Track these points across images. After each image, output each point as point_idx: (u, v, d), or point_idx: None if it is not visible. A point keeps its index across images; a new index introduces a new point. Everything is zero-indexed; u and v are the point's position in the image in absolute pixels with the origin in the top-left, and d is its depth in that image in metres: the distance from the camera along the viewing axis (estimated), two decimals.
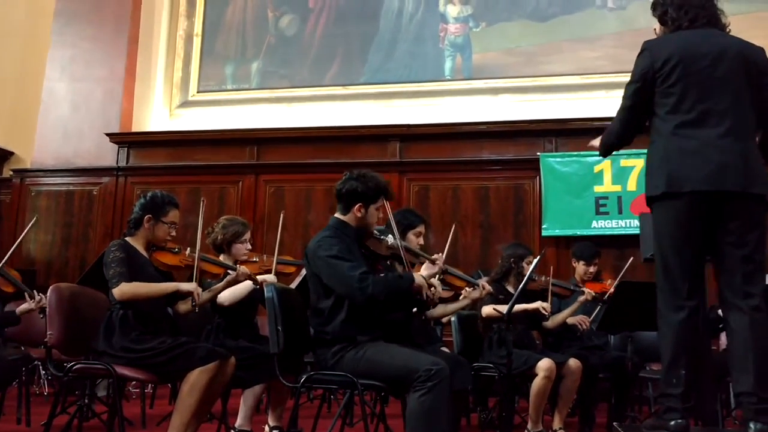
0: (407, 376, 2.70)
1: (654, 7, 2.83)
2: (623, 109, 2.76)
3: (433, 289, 3.09)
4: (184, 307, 3.29)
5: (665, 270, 2.63)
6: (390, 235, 3.11)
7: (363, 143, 6.77)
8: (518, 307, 4.04)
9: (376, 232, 3.11)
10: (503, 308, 3.79)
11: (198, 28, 7.61)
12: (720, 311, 4.14)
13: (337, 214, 3.11)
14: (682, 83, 2.58)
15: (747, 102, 2.60)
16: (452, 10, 6.97)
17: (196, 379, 2.91)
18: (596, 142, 3.01)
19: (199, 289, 3.22)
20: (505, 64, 6.73)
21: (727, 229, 2.57)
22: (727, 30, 2.73)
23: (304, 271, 4.18)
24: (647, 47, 2.70)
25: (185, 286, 3.18)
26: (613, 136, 2.82)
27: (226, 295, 3.57)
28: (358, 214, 3.04)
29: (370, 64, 7.07)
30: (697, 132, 2.55)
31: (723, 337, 4.69)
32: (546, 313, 4.19)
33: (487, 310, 4.00)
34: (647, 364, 4.70)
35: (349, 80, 7.06)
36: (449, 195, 6.58)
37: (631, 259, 4.66)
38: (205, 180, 7.06)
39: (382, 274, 2.96)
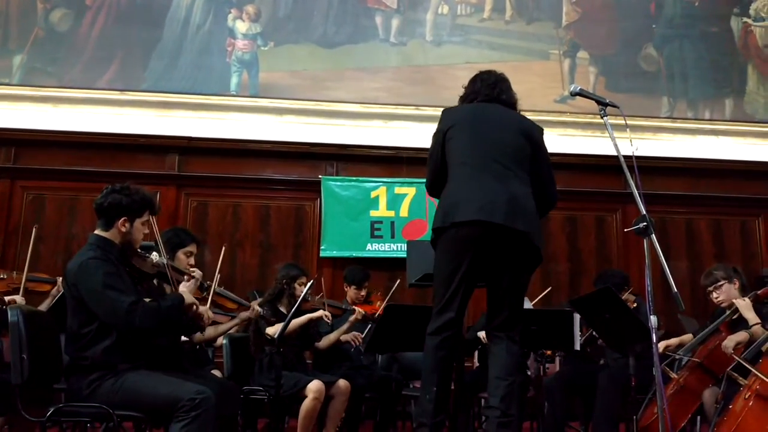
0: (170, 405, 2.62)
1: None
2: (428, 159, 3.15)
3: (202, 308, 3.05)
4: None
5: (436, 298, 2.93)
6: (155, 253, 2.99)
7: (139, 153, 6.40)
8: (300, 319, 4.11)
9: (140, 249, 2.97)
10: (276, 328, 3.81)
11: None
12: (476, 333, 4.55)
13: (97, 231, 2.92)
14: (463, 140, 2.98)
15: (520, 163, 2.98)
16: (241, 26, 6.91)
17: None
18: None
19: None
20: (291, 85, 6.79)
21: (500, 274, 2.93)
22: (517, 106, 3.20)
23: (60, 291, 3.86)
24: (443, 112, 3.15)
25: None
26: (427, 180, 3.19)
27: None
28: (123, 229, 2.90)
29: (151, 71, 6.72)
30: (475, 180, 2.90)
31: (476, 355, 5.13)
32: (329, 321, 4.32)
33: (270, 330, 3.99)
34: (411, 382, 4.98)
35: (128, 86, 6.64)
36: (229, 212, 6.46)
37: (398, 281, 4.93)
38: None
39: (149, 299, 2.84)
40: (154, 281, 3.18)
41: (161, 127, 6.50)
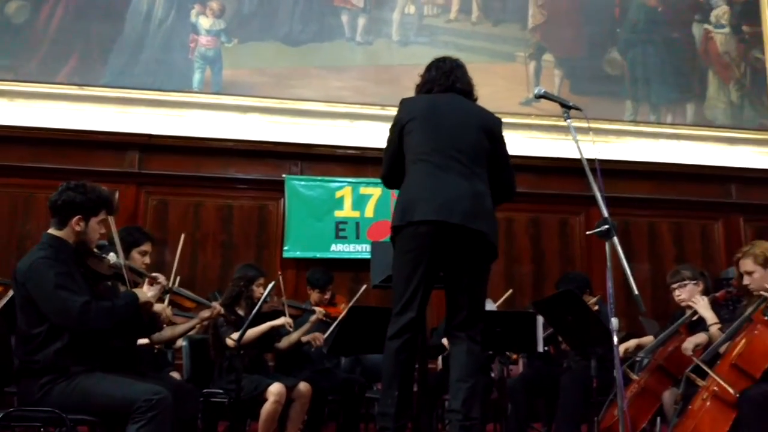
0: (126, 407, 2.56)
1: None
2: (384, 150, 3.09)
3: (158, 306, 2.98)
4: None
5: (395, 298, 2.88)
6: (112, 253, 2.90)
7: (98, 150, 6.23)
8: (261, 327, 4.02)
9: (96, 249, 2.88)
10: (237, 335, 3.73)
11: None
12: (440, 340, 4.53)
13: (51, 230, 2.83)
14: (424, 135, 2.93)
15: (478, 159, 2.95)
16: (204, 22, 6.79)
17: None
18: None
19: None
20: (256, 83, 6.69)
21: (458, 273, 2.89)
22: (473, 93, 3.14)
23: (11, 292, 3.73)
24: (402, 102, 3.08)
25: None
26: (382, 171, 3.14)
27: None
28: (77, 228, 2.81)
29: (111, 66, 6.55)
30: (434, 178, 2.85)
31: (440, 358, 5.11)
32: (290, 329, 4.24)
33: (229, 342, 3.88)
34: (374, 385, 4.95)
35: (87, 81, 6.46)
36: (190, 211, 6.33)
37: (364, 286, 4.86)
38: None
39: (106, 301, 2.76)
40: (109, 282, 3.08)
41: (121, 123, 6.34)
